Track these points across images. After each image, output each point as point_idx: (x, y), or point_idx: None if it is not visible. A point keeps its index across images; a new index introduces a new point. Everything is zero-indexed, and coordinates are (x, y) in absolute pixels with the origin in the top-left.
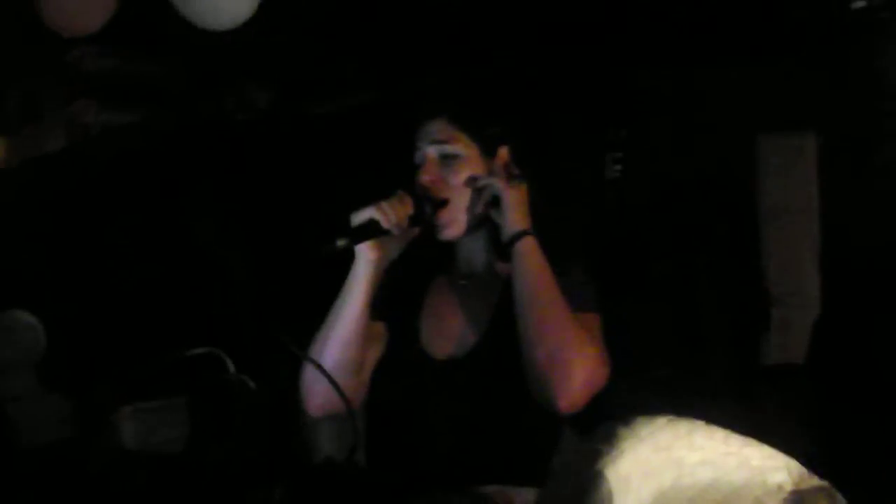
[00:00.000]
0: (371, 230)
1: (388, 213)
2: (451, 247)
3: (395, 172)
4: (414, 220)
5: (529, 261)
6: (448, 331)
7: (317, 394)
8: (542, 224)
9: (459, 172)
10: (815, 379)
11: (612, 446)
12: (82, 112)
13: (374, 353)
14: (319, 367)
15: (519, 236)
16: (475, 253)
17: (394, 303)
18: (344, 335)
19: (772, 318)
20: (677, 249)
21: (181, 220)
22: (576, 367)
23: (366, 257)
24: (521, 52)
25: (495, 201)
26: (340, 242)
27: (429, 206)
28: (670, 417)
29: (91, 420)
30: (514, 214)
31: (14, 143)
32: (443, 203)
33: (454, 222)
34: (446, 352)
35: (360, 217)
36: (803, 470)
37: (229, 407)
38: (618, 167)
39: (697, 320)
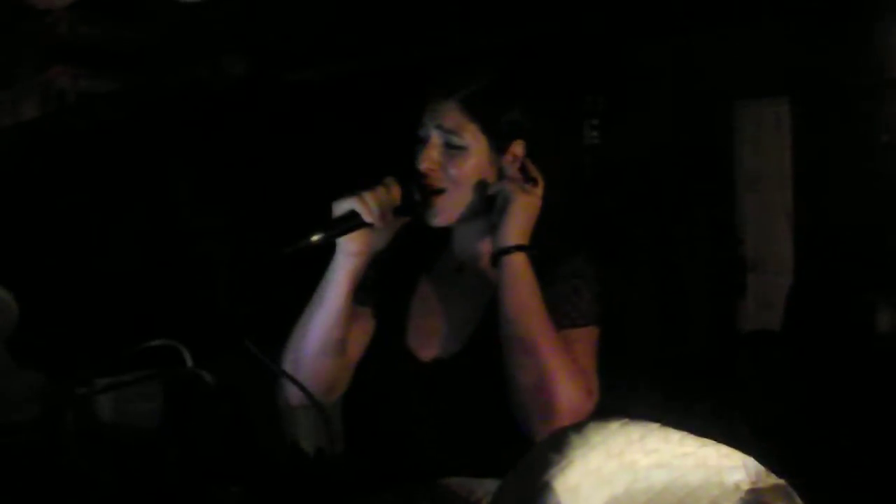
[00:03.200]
0: (351, 223)
1: (370, 205)
2: (447, 232)
3: (382, 145)
4: (401, 210)
5: (518, 279)
6: (436, 329)
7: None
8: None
9: (462, 165)
10: (789, 346)
11: (562, 455)
12: (58, 79)
13: (360, 334)
14: (292, 378)
15: (510, 250)
16: (471, 242)
17: (383, 292)
18: (323, 330)
19: (748, 284)
20: (655, 216)
21: (157, 191)
22: (560, 401)
23: (345, 250)
24: (499, 20)
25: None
26: (315, 237)
27: (418, 193)
28: (623, 421)
29: (62, 395)
30: (516, 224)
31: None
32: (438, 192)
33: (446, 211)
34: (431, 353)
35: (340, 207)
36: (761, 468)
37: (185, 401)
38: (595, 134)
39: (675, 287)
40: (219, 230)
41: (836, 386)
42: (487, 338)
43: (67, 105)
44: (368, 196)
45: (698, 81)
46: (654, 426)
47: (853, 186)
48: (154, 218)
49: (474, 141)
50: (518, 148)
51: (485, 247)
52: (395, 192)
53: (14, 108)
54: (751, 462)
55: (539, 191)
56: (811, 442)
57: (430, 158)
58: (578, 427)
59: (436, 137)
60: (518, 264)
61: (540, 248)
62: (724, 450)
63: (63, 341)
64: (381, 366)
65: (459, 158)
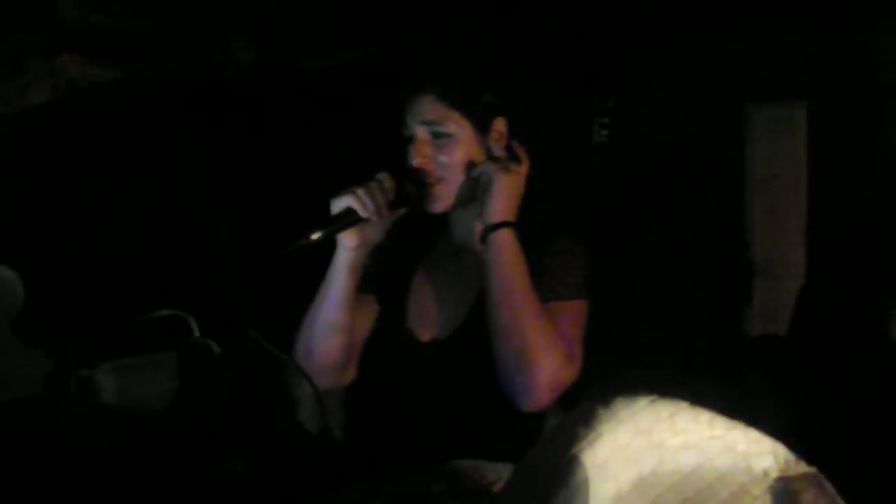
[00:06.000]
0: (348, 219)
1: (365, 201)
2: (443, 218)
3: (386, 137)
4: (396, 203)
5: (503, 254)
6: (434, 311)
7: (307, 366)
8: (533, 189)
9: (453, 152)
10: (797, 352)
11: (590, 429)
12: (68, 67)
13: (364, 318)
14: (294, 363)
15: (497, 227)
16: (466, 226)
17: (383, 278)
18: (330, 317)
19: (755, 288)
20: (662, 216)
21: (165, 177)
22: (541, 370)
23: (345, 245)
24: (510, 17)
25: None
26: (314, 235)
27: (412, 186)
28: (652, 398)
29: (64, 376)
30: (499, 202)
31: None
32: (436, 182)
33: (445, 198)
34: (430, 333)
35: (337, 205)
36: (790, 455)
37: (191, 372)
38: (605, 132)
39: (681, 289)
40: (224, 216)
41: (847, 393)
42: (481, 319)
43: (76, 92)
44: (363, 192)
45: (709, 82)
46: (683, 404)
47: (869, 190)
48: (160, 203)
49: (458, 127)
50: (500, 125)
51: (478, 229)
52: (390, 186)
53: (24, 95)
54: (780, 449)
55: (523, 169)
56: (821, 450)
57: (420, 153)
58: (606, 401)
59: (422, 133)
60: (504, 240)
61: (533, 220)
62: (753, 434)
63: (68, 322)
64: (381, 348)
65: (448, 147)
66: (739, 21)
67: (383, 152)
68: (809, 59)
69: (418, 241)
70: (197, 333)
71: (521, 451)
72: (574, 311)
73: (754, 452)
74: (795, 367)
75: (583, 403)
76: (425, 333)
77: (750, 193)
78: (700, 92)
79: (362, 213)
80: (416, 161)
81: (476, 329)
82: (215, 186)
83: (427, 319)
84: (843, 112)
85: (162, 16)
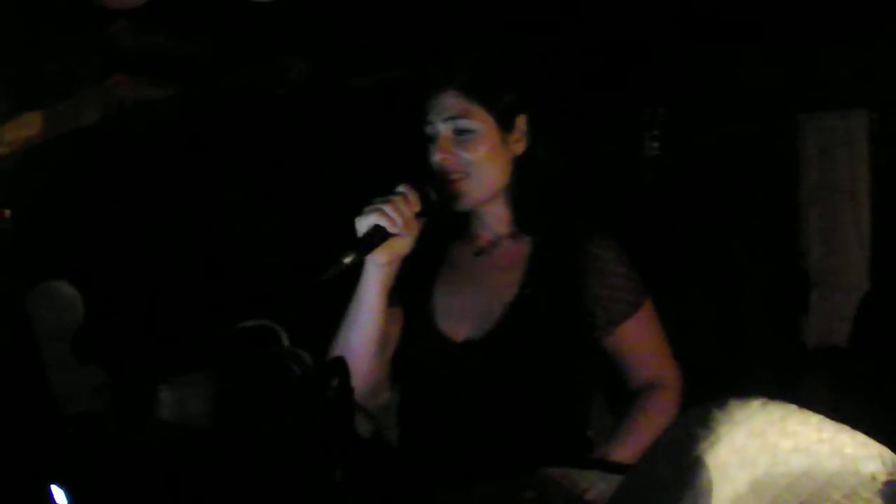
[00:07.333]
0: (378, 237)
1: (392, 217)
2: (462, 220)
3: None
4: (422, 212)
5: None
6: (466, 308)
7: None
8: (573, 198)
9: (476, 148)
10: (859, 362)
11: (710, 430)
12: (119, 86)
13: (394, 330)
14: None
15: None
16: (496, 219)
17: (407, 280)
18: (363, 337)
19: (811, 299)
20: (716, 229)
21: (216, 196)
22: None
23: (376, 262)
24: (559, 29)
25: None
26: (347, 259)
27: (434, 193)
28: (764, 400)
29: (126, 393)
30: (631, 452)
31: (50, 116)
32: (454, 181)
33: (469, 194)
34: (464, 332)
35: (363, 223)
36: None
37: (282, 382)
38: (656, 145)
39: (736, 301)
40: (272, 237)
41: None
42: (523, 312)
43: (127, 111)
44: (389, 208)
45: (763, 92)
46: (793, 407)
47: None
48: (209, 223)
49: (482, 122)
50: (522, 123)
51: (501, 231)
52: (413, 198)
53: (75, 116)
54: (887, 452)
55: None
56: None
57: (443, 149)
58: (721, 404)
59: (444, 129)
60: None
61: (565, 228)
62: (861, 438)
63: (123, 340)
64: (415, 353)
65: (471, 142)
66: (795, 30)
67: (399, 182)
68: (869, 68)
69: (445, 232)
70: (286, 343)
71: (570, 449)
72: (652, 310)
73: (862, 456)
74: (858, 377)
75: (698, 406)
76: (458, 333)
77: (805, 205)
78: (754, 102)
79: (391, 228)
80: (438, 157)
81: (513, 329)
82: (263, 205)
83: (458, 320)
84: None
85: (215, 34)
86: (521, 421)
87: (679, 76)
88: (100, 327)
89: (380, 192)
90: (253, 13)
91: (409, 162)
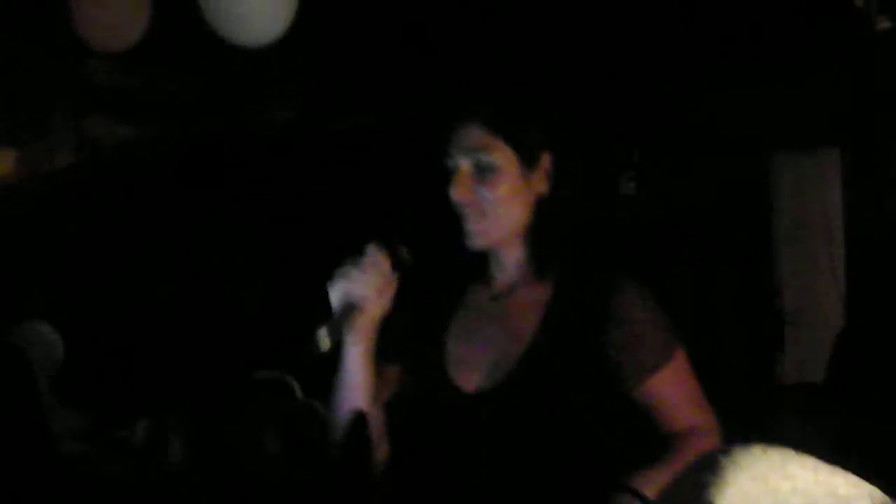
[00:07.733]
0: (352, 311)
1: (363, 286)
2: (479, 263)
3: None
4: (394, 271)
5: None
6: (478, 357)
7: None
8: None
9: (496, 187)
10: (835, 397)
11: (717, 476)
12: (93, 127)
13: (389, 382)
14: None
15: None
16: (514, 262)
17: (421, 323)
18: (352, 402)
19: (786, 336)
20: (692, 266)
21: (195, 237)
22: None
23: (352, 340)
24: (537, 71)
25: None
26: (323, 346)
27: (404, 250)
28: (763, 446)
29: (108, 434)
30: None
31: (24, 155)
32: (471, 220)
33: (487, 234)
34: (475, 382)
35: (335, 291)
36: (886, 498)
37: (300, 432)
38: (632, 184)
39: (712, 338)
40: (251, 278)
41: (889, 441)
42: (539, 362)
43: (102, 153)
44: (357, 276)
45: (737, 132)
46: (790, 451)
47: None
48: (189, 265)
49: (504, 158)
50: (547, 161)
51: (519, 274)
52: (382, 259)
53: (49, 156)
54: (877, 492)
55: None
56: None
57: (462, 186)
58: (725, 450)
59: (465, 163)
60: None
61: (586, 273)
62: (852, 479)
63: (106, 381)
64: (422, 402)
65: (492, 181)
66: (767, 70)
67: (414, 209)
68: (842, 105)
69: (457, 281)
70: (300, 395)
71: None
72: (684, 359)
73: (853, 495)
74: (834, 413)
75: (707, 454)
76: (469, 383)
77: (779, 242)
78: (727, 141)
79: (362, 302)
80: (457, 194)
81: (528, 379)
82: (246, 245)
83: (469, 369)
84: (878, 159)
85: (196, 76)
86: (534, 479)
87: (654, 117)
88: (80, 369)
89: (353, 243)
90: (236, 55)
91: (382, 212)
